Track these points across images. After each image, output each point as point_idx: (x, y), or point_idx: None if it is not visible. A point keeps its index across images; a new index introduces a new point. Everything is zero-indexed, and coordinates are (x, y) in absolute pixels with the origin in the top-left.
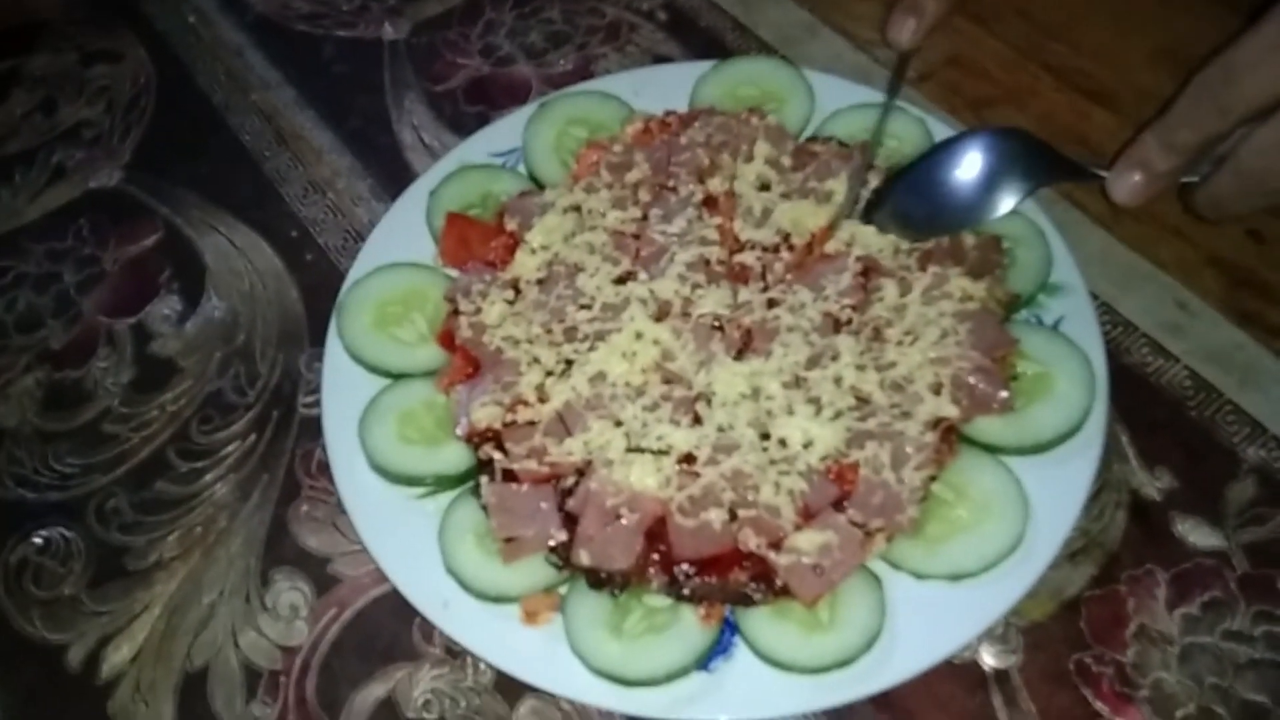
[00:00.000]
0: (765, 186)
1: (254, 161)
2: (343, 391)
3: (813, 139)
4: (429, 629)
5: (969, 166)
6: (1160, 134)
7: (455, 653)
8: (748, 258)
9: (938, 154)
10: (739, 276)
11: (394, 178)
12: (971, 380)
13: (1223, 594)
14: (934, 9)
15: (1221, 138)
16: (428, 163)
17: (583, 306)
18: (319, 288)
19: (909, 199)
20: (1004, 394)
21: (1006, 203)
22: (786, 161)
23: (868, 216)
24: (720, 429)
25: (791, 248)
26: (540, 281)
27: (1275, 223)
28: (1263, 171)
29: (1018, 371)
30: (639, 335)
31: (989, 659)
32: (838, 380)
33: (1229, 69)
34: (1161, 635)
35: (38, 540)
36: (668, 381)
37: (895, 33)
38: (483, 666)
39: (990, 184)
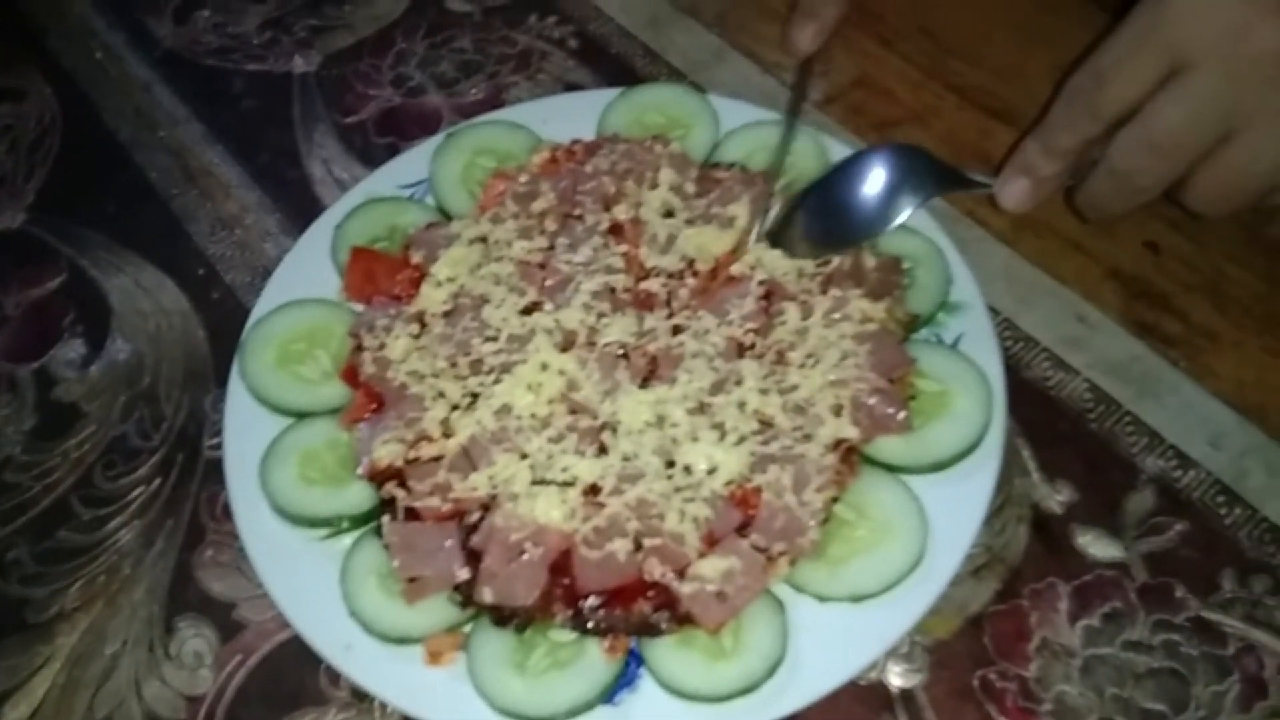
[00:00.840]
0: (670, 213)
1: (161, 199)
2: (245, 432)
3: (715, 165)
4: (336, 673)
5: (864, 182)
6: (1040, 139)
7: (362, 696)
8: (653, 284)
9: (835, 173)
10: (644, 304)
11: (303, 212)
12: (870, 401)
13: (1123, 604)
14: (831, 12)
15: (1096, 140)
16: (338, 196)
17: (488, 339)
18: (225, 327)
19: (809, 219)
20: (901, 415)
21: (901, 213)
22: (690, 188)
23: (774, 241)
24: (625, 458)
25: (696, 274)
26: (446, 314)
27: (1171, 234)
28: (1130, 171)
29: (917, 390)
30: (544, 366)
31: (895, 679)
32: (741, 405)
33: (1096, 73)
34: (1064, 648)
35: None
36: (573, 412)
37: (795, 36)
38: (389, 709)
39: (885, 198)
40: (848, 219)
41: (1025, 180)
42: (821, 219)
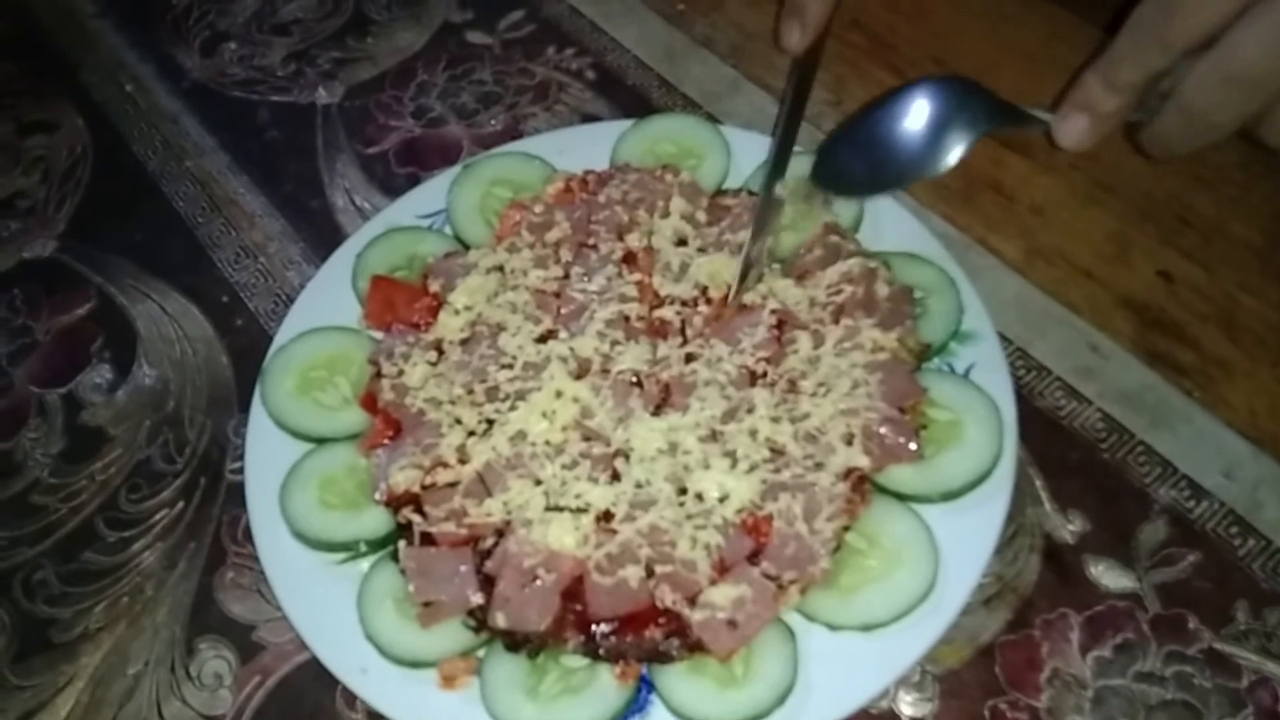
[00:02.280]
0: (682, 241)
1: (187, 228)
2: (266, 457)
3: (724, 192)
4: (352, 695)
5: (911, 117)
6: (1103, 73)
7: (377, 718)
8: (667, 312)
9: (878, 108)
10: (658, 331)
11: (325, 241)
12: (881, 430)
13: (1135, 635)
14: (816, 9)
15: (1164, 73)
16: (359, 225)
17: (504, 366)
18: (249, 353)
19: (851, 156)
20: (913, 444)
21: (955, 150)
22: (701, 217)
23: (815, 179)
24: (638, 485)
25: (709, 300)
26: (463, 342)
27: (1184, 263)
28: (1206, 107)
29: (928, 419)
30: (559, 394)
31: (906, 708)
32: (753, 433)
33: (1166, 3)
34: (1075, 679)
35: None
36: (587, 439)
37: (786, 39)
38: None
39: (935, 133)
40: (895, 156)
41: (1085, 117)
42: (865, 157)
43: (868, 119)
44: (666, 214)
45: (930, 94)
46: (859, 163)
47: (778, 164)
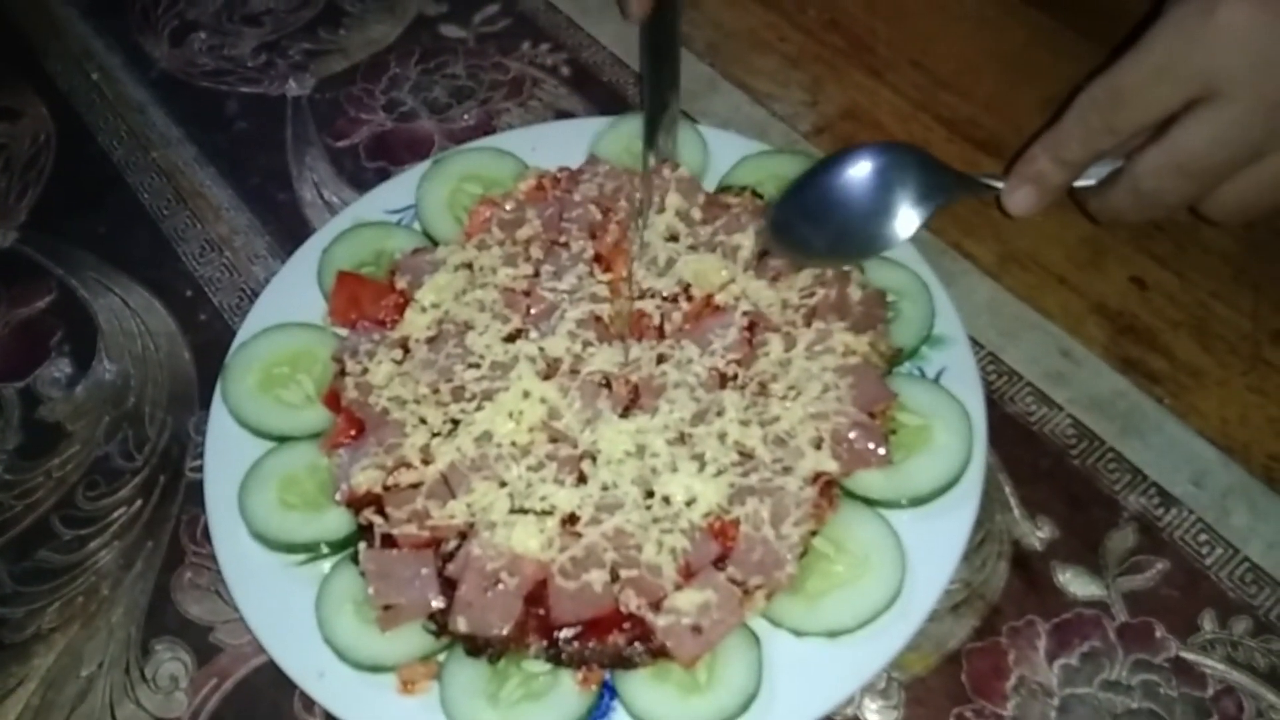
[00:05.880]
0: (674, 238)
1: (152, 220)
2: (226, 455)
3: (726, 189)
4: (310, 699)
5: (865, 186)
6: (1050, 149)
7: None
8: (648, 305)
9: (828, 174)
10: (634, 328)
11: (293, 235)
12: (850, 435)
13: (1102, 644)
14: None
15: (1109, 152)
16: (327, 219)
17: (471, 365)
18: (211, 348)
19: (805, 225)
20: (882, 449)
21: (911, 224)
22: (696, 214)
23: (768, 241)
24: (604, 487)
25: (690, 298)
26: (429, 340)
27: (1158, 270)
28: (1156, 190)
29: (898, 424)
30: (526, 394)
31: (871, 715)
32: (722, 436)
33: (1116, 91)
34: (1041, 687)
35: None
36: (554, 440)
37: (627, 10)
38: None
39: (889, 204)
40: (847, 228)
41: (1033, 187)
42: (823, 228)
43: (820, 185)
44: (662, 209)
45: (884, 163)
46: (817, 235)
47: (649, 133)
